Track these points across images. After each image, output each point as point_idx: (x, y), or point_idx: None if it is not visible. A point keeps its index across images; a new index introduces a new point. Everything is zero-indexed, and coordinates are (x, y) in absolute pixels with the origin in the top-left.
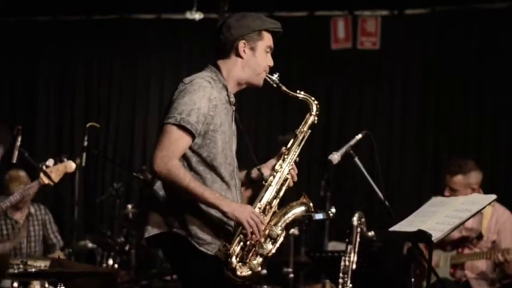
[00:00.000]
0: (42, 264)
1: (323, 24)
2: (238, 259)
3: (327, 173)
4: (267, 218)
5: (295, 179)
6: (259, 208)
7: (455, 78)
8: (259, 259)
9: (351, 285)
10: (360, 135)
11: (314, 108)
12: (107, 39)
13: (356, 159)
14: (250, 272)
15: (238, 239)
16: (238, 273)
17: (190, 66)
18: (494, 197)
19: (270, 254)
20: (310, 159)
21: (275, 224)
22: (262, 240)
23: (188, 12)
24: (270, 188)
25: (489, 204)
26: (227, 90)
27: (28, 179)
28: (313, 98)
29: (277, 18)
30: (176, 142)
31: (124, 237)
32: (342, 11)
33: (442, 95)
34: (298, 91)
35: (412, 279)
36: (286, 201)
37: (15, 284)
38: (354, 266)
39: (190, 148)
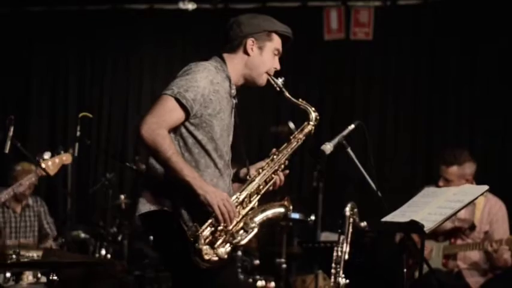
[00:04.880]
0: (35, 254)
1: (316, 14)
2: (206, 242)
3: (320, 164)
4: (244, 211)
5: (282, 180)
6: (238, 199)
7: (448, 68)
8: (228, 248)
9: (343, 275)
10: (352, 126)
11: (313, 117)
12: (100, 30)
13: (349, 149)
14: (216, 258)
15: (209, 222)
16: (204, 255)
17: (183, 56)
18: (486, 187)
19: (239, 245)
20: (303, 149)
21: (251, 218)
22: (235, 230)
23: (181, 2)
24: (253, 183)
25: (481, 194)
26: (230, 81)
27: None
28: (313, 108)
29: (270, 8)
30: (169, 113)
31: (116, 227)
32: (335, 1)
33: (435, 85)
34: (300, 100)
35: (405, 270)
36: (276, 195)
37: (8, 274)
38: (347, 257)
39: (187, 129)
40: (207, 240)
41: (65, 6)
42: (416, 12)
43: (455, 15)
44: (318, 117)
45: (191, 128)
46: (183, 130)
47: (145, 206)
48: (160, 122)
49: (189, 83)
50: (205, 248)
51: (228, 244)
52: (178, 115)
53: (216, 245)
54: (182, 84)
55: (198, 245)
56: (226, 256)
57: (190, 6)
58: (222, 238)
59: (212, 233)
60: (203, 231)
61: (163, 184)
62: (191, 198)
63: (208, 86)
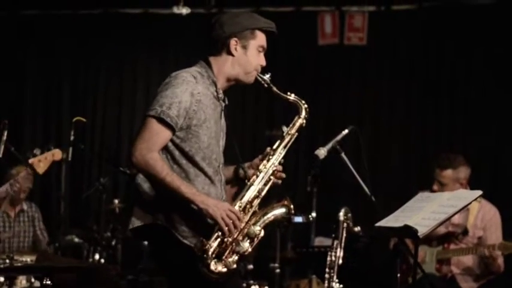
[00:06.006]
0: (29, 258)
1: (310, 19)
2: (214, 255)
3: (314, 169)
4: (247, 217)
5: (282, 177)
6: (240, 206)
7: (442, 72)
8: (235, 257)
9: (337, 280)
10: (346, 131)
11: (303, 111)
12: (93, 34)
13: (342, 154)
14: (225, 269)
15: (216, 235)
16: (213, 269)
17: (176, 61)
18: (480, 192)
19: (246, 253)
20: (297, 154)
21: (254, 223)
22: (240, 238)
23: (175, 7)
24: (252, 187)
25: (475, 200)
26: (216, 86)
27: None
28: (303, 102)
29: (264, 13)
30: (157, 135)
31: (110, 232)
32: (329, 6)
33: (429, 90)
34: (288, 93)
35: (398, 275)
36: (271, 198)
37: (1, 279)
38: (340, 261)
39: (173, 142)
40: (215, 252)
41: (59, 10)
42: (411, 17)
43: (449, 20)
44: (308, 110)
45: (177, 140)
46: (169, 144)
47: (138, 220)
48: (150, 146)
49: (170, 99)
50: (214, 261)
51: (235, 253)
52: (165, 135)
53: (224, 256)
54: (164, 101)
55: (207, 258)
56: (234, 266)
57: (185, 10)
58: (229, 248)
59: (219, 245)
60: (210, 244)
61: (155, 198)
62: (184, 210)
63: (190, 99)
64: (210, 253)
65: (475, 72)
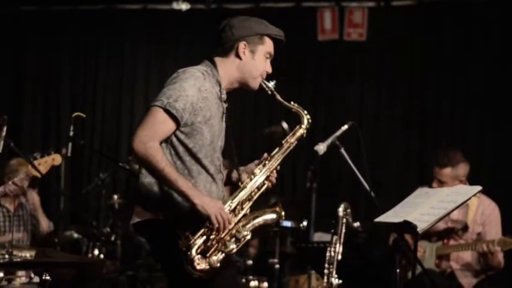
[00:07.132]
0: (28, 254)
1: (310, 15)
2: (198, 251)
3: (313, 164)
4: (236, 219)
5: (273, 182)
6: (230, 207)
7: (442, 68)
8: (220, 256)
9: (336, 275)
10: (345, 126)
11: (305, 121)
12: (93, 30)
13: (342, 150)
14: (208, 267)
15: (202, 231)
16: (196, 265)
17: (176, 57)
18: (479, 188)
19: (231, 253)
20: (296, 149)
21: (243, 226)
22: (228, 238)
23: (175, 3)
24: (244, 190)
25: (474, 195)
26: (220, 86)
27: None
28: (305, 112)
29: (264, 9)
30: (159, 124)
31: (110, 227)
32: (329, 2)
33: (429, 86)
34: (292, 102)
35: (398, 270)
36: (269, 197)
37: (1, 274)
38: (340, 257)
39: (177, 137)
40: (200, 249)
41: (58, 6)
42: (410, 12)
43: (449, 16)
44: (310, 121)
45: (181, 136)
46: (174, 139)
47: (140, 215)
48: (151, 134)
49: (178, 92)
50: (198, 258)
51: (220, 252)
52: (169, 126)
53: (208, 254)
54: (171, 94)
55: (191, 254)
56: (218, 265)
57: (184, 6)
58: (215, 247)
59: (204, 242)
60: (195, 240)
61: (157, 193)
62: (186, 206)
63: (197, 94)
64: (194, 249)
65: (475, 67)
